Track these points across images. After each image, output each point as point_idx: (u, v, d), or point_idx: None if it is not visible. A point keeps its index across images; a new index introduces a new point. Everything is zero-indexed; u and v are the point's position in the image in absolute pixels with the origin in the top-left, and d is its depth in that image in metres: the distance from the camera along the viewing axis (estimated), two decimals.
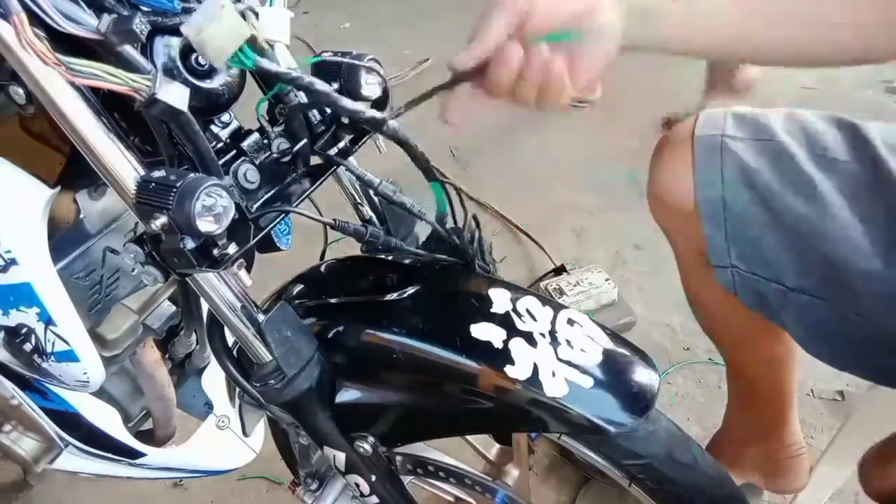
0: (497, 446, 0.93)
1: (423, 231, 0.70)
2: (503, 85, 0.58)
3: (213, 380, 0.99)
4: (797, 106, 0.84)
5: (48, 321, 0.68)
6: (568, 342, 0.61)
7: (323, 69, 0.61)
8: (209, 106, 0.55)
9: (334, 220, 0.61)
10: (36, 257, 0.65)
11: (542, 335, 0.61)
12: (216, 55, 0.46)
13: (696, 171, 0.79)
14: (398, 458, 0.82)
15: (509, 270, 1.89)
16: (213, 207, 0.48)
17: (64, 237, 0.73)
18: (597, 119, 2.61)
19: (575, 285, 1.64)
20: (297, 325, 0.62)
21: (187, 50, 0.52)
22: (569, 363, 0.60)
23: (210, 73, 0.54)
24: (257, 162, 0.59)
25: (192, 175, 0.48)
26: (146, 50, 0.50)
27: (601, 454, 0.68)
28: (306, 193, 0.61)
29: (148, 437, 0.95)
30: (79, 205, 0.75)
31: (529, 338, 0.61)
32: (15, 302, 0.67)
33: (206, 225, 0.48)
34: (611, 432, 0.58)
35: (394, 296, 0.66)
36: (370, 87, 0.62)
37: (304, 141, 0.62)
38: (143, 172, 0.50)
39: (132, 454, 0.91)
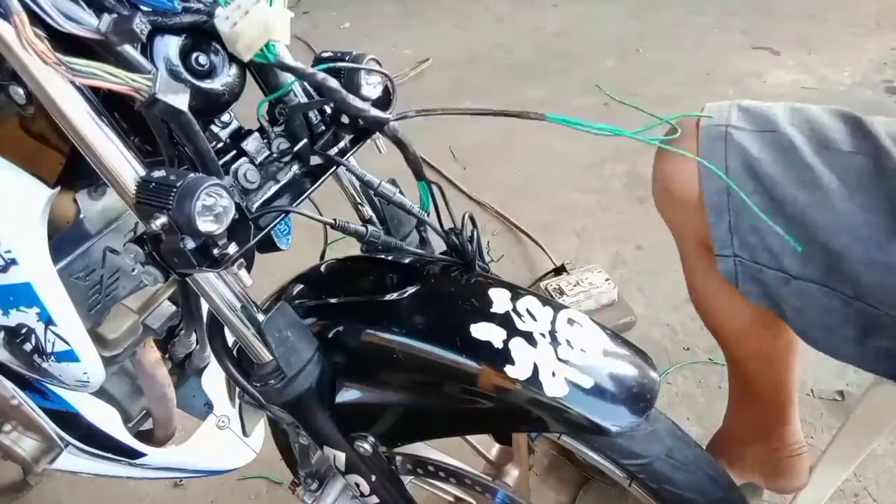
0: (497, 446, 0.93)
1: (432, 233, 0.71)
2: None
3: (213, 380, 0.99)
4: None
5: (48, 321, 0.68)
6: (568, 342, 0.61)
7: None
8: (209, 106, 0.55)
9: (334, 220, 0.61)
10: (36, 257, 0.65)
11: (542, 335, 0.61)
12: (246, 49, 0.49)
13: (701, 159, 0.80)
14: (398, 458, 0.82)
15: (509, 270, 1.89)
16: (213, 207, 0.48)
17: (64, 237, 0.73)
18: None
19: (575, 285, 1.64)
20: (297, 325, 0.62)
21: (188, 50, 0.53)
22: (569, 363, 0.60)
23: (210, 73, 0.54)
24: (257, 162, 0.59)
25: (192, 175, 0.48)
26: (146, 50, 0.50)
27: (601, 454, 0.68)
28: (306, 193, 0.61)
29: (148, 437, 0.95)
30: (79, 205, 0.75)
31: (529, 338, 0.61)
32: (15, 302, 0.67)
33: (206, 225, 0.48)
34: (611, 432, 0.58)
35: (394, 296, 0.66)
36: (370, 87, 0.62)
37: (304, 141, 0.62)
38: (143, 172, 0.50)
39: (132, 454, 0.91)
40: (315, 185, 0.62)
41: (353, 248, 0.70)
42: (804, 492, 1.09)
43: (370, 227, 0.64)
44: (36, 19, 0.43)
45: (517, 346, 0.60)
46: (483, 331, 0.61)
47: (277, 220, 0.58)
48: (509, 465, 0.91)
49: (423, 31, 3.50)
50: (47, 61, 0.43)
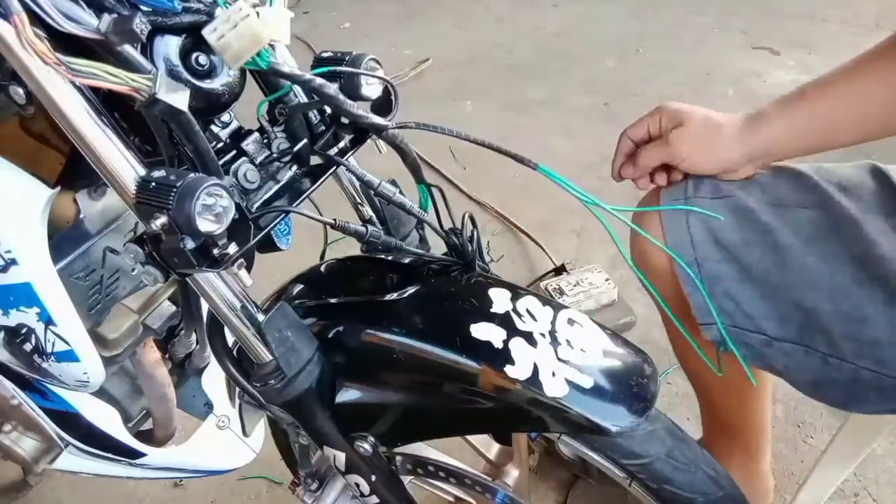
0: (497, 446, 0.93)
1: (432, 233, 0.71)
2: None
3: (213, 380, 0.99)
4: None
5: (48, 321, 0.68)
6: (568, 342, 0.61)
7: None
8: (209, 106, 0.55)
9: (334, 220, 0.61)
10: (36, 257, 0.65)
11: (542, 335, 0.61)
12: (233, 59, 0.48)
13: (666, 236, 0.81)
14: (398, 458, 0.82)
15: (509, 270, 1.89)
16: (213, 207, 0.48)
17: (64, 237, 0.73)
18: (597, 119, 2.61)
19: (575, 285, 1.64)
20: (297, 325, 0.62)
21: (188, 50, 0.53)
22: (569, 363, 0.60)
23: (210, 73, 0.54)
24: (257, 162, 0.59)
25: (192, 175, 0.48)
26: (146, 50, 0.50)
27: (601, 454, 0.68)
28: (306, 193, 0.61)
29: (148, 437, 0.95)
30: (79, 205, 0.75)
31: (529, 338, 0.61)
32: (15, 302, 0.67)
33: (206, 225, 0.48)
34: (611, 432, 0.58)
35: (394, 296, 0.66)
36: (370, 87, 0.62)
37: (304, 141, 0.62)
38: (143, 172, 0.50)
39: (132, 454, 0.91)
40: (315, 185, 0.62)
41: (353, 248, 0.70)
42: (804, 493, 1.09)
43: (370, 227, 0.64)
44: (36, 19, 0.43)
45: (517, 346, 0.60)
46: (483, 331, 0.61)
47: (277, 220, 0.58)
48: (509, 465, 0.91)
49: (423, 31, 3.50)
50: (47, 61, 0.43)
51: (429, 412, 0.65)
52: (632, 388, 0.61)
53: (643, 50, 3.19)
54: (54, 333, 0.69)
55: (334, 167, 0.64)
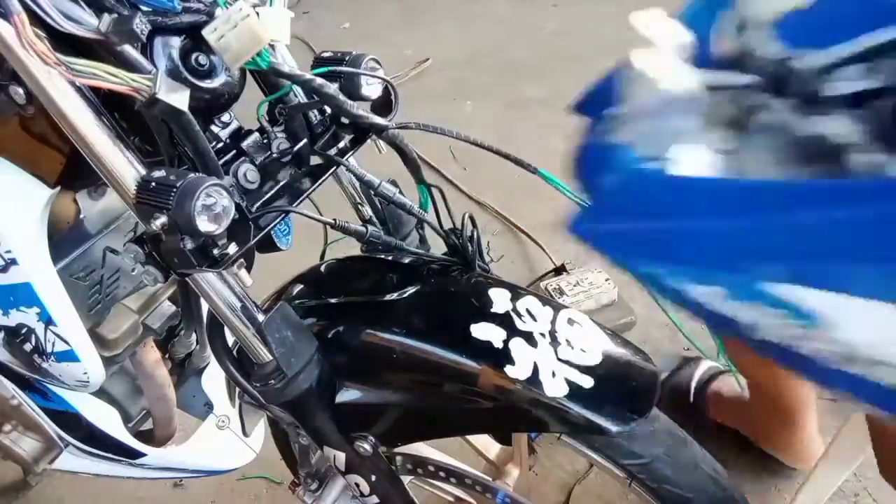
0: (497, 446, 0.93)
1: (432, 233, 0.71)
2: None
3: (213, 380, 0.99)
4: None
5: (48, 321, 0.68)
6: (568, 342, 0.61)
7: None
8: (209, 106, 0.55)
9: (334, 220, 0.61)
10: (36, 257, 0.65)
11: (542, 335, 0.61)
12: (233, 60, 0.48)
13: None
14: (398, 458, 0.82)
15: (509, 270, 1.89)
16: (213, 207, 0.48)
17: (64, 237, 0.73)
18: None
19: (575, 285, 1.64)
20: (297, 325, 0.62)
21: (188, 50, 0.53)
22: (569, 363, 0.60)
23: (210, 73, 0.54)
24: (257, 162, 0.59)
25: (192, 175, 0.48)
26: (146, 50, 0.50)
27: (601, 453, 0.68)
28: (306, 193, 0.61)
29: (148, 437, 0.95)
30: (79, 205, 0.75)
31: (529, 338, 0.61)
32: (15, 302, 0.67)
33: (206, 225, 0.48)
34: (611, 432, 0.58)
35: (394, 296, 0.66)
36: (370, 87, 0.62)
37: (304, 141, 0.62)
38: (143, 172, 0.50)
39: (132, 454, 0.91)
40: (315, 185, 0.62)
41: (353, 248, 0.70)
42: (803, 493, 1.09)
43: (370, 227, 0.64)
44: (36, 19, 0.43)
45: (517, 346, 0.60)
46: (483, 331, 0.61)
47: (277, 220, 0.58)
48: (509, 465, 0.91)
49: (423, 31, 3.50)
50: (47, 61, 0.43)
51: (429, 412, 0.65)
52: (632, 388, 0.61)
53: None
54: (54, 333, 0.69)
55: (334, 167, 0.64)
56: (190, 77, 0.52)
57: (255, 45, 0.48)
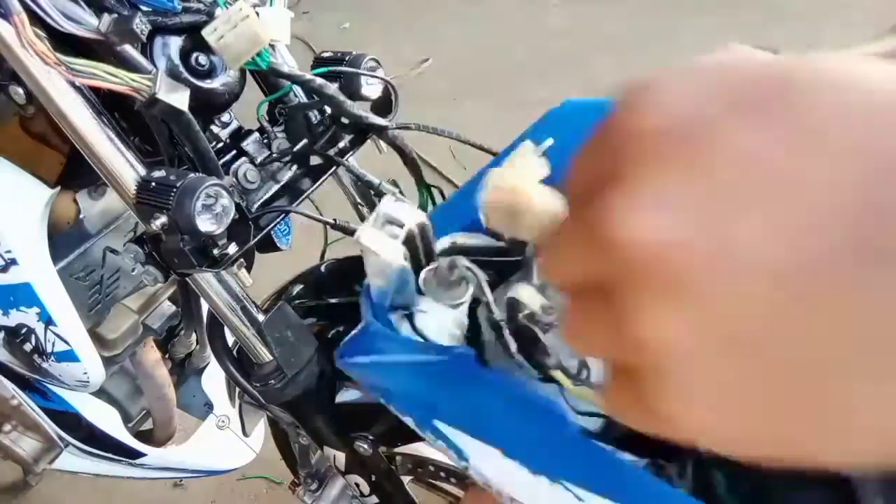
0: None
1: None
2: None
3: (213, 380, 1.00)
4: None
5: (48, 321, 0.68)
6: None
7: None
8: (209, 106, 0.55)
9: (334, 219, 0.61)
10: (36, 257, 0.65)
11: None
12: (233, 60, 0.49)
13: None
14: (398, 458, 0.82)
15: None
16: (213, 207, 0.48)
17: (64, 237, 0.73)
18: None
19: None
20: (297, 325, 0.62)
21: (188, 50, 0.53)
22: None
23: (210, 73, 0.54)
24: (257, 162, 0.59)
25: (192, 175, 0.48)
26: (146, 50, 0.50)
27: None
28: (306, 193, 0.61)
29: (148, 437, 0.95)
30: (79, 205, 0.75)
31: None
32: (15, 302, 0.68)
33: (206, 225, 0.48)
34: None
35: None
36: (370, 87, 0.62)
37: (304, 141, 0.62)
38: (143, 172, 0.50)
39: (132, 454, 0.91)
40: (315, 185, 0.62)
41: (353, 249, 0.70)
42: None
43: None
44: (36, 19, 0.43)
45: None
46: None
47: (277, 220, 0.58)
48: None
49: (424, 31, 3.50)
50: (47, 61, 0.43)
51: None
52: None
53: (643, 50, 3.19)
54: (54, 333, 0.69)
55: (334, 167, 0.64)
56: (190, 77, 0.52)
57: (254, 46, 0.49)
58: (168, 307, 0.79)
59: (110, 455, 0.91)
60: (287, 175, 0.61)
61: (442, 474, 0.82)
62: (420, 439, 0.77)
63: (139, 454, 0.91)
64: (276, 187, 0.60)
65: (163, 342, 0.90)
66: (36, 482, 1.34)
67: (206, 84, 0.54)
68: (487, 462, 0.40)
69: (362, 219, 0.73)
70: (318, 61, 0.63)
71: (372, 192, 0.66)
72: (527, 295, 0.37)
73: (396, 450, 0.79)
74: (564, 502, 0.33)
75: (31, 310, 0.67)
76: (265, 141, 0.60)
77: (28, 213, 0.65)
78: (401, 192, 0.66)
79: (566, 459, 0.33)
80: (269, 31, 0.48)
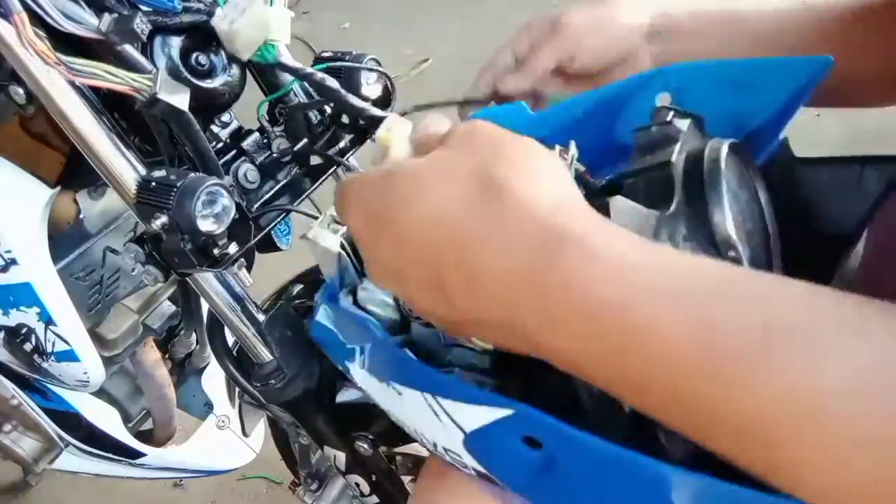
0: None
1: None
2: None
3: (213, 380, 1.00)
4: None
5: (48, 321, 0.68)
6: None
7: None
8: (209, 106, 0.55)
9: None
10: (36, 257, 0.65)
11: None
12: (244, 47, 0.49)
13: None
14: (398, 457, 0.82)
15: None
16: (213, 207, 0.48)
17: (64, 237, 0.73)
18: None
19: None
20: (297, 325, 0.62)
21: (188, 50, 0.53)
22: None
23: (210, 72, 0.54)
24: (257, 162, 0.59)
25: (192, 175, 0.48)
26: (146, 50, 0.50)
27: None
28: (306, 193, 0.61)
29: (148, 437, 0.96)
30: (79, 205, 0.75)
31: None
32: (15, 302, 0.68)
33: (206, 225, 0.48)
34: None
35: None
36: (371, 86, 0.62)
37: (305, 141, 0.62)
38: (143, 172, 0.50)
39: (132, 454, 0.91)
40: (315, 185, 0.62)
41: None
42: None
43: None
44: (36, 19, 0.43)
45: None
46: None
47: (278, 219, 0.58)
48: None
49: (423, 31, 3.50)
50: (47, 61, 0.43)
51: None
52: None
53: None
54: (54, 333, 0.69)
55: (334, 167, 0.64)
56: (190, 77, 0.52)
57: (265, 32, 0.49)
58: (168, 307, 0.79)
59: (110, 455, 0.91)
60: (287, 175, 0.61)
61: None
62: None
63: (139, 454, 0.91)
64: (276, 187, 0.60)
65: (163, 342, 0.90)
66: (36, 482, 1.34)
67: (207, 84, 0.54)
68: (383, 398, 0.46)
69: None
70: (318, 61, 0.63)
71: None
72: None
73: (397, 450, 0.79)
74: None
75: (31, 310, 0.67)
76: (265, 141, 0.60)
77: (28, 213, 0.65)
78: None
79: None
80: (275, 17, 0.49)
